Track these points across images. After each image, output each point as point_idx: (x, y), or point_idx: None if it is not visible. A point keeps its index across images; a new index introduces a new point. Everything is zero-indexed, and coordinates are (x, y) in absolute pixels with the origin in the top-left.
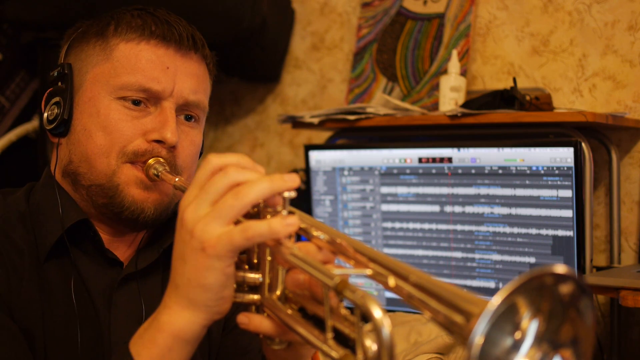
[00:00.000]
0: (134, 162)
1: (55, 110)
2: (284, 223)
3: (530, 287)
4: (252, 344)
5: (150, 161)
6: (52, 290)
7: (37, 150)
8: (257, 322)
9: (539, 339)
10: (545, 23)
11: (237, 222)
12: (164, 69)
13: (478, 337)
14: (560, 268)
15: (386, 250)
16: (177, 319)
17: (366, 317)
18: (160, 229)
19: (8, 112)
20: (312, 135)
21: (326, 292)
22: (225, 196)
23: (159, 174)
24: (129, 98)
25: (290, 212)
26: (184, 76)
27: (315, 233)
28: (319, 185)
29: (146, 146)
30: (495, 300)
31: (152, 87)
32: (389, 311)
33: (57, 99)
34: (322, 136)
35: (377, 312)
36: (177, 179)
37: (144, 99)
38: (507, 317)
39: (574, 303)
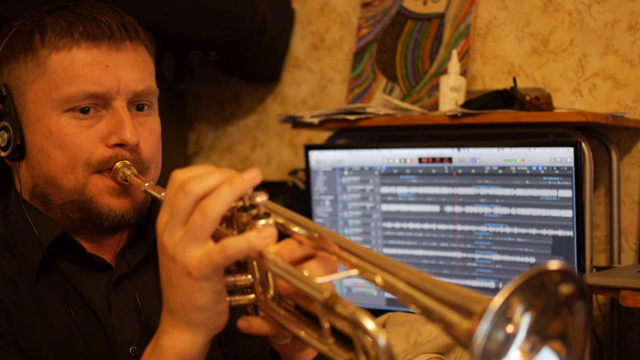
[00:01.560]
0: (100, 171)
1: (5, 135)
2: (261, 236)
3: (531, 285)
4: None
5: (117, 165)
6: (52, 311)
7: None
8: (257, 325)
9: (529, 332)
10: (545, 23)
11: (218, 238)
12: (104, 68)
13: (481, 338)
14: (555, 264)
15: (386, 251)
16: (179, 342)
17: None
18: (141, 224)
19: None
20: (312, 135)
21: (318, 306)
22: (192, 216)
23: (127, 178)
24: (76, 108)
25: (266, 214)
26: (125, 69)
27: (294, 228)
28: (319, 185)
29: (109, 152)
30: (497, 301)
31: (97, 91)
32: (389, 311)
33: (4, 123)
34: (322, 136)
35: (369, 325)
36: (146, 185)
37: (93, 105)
38: (502, 312)
39: (569, 303)
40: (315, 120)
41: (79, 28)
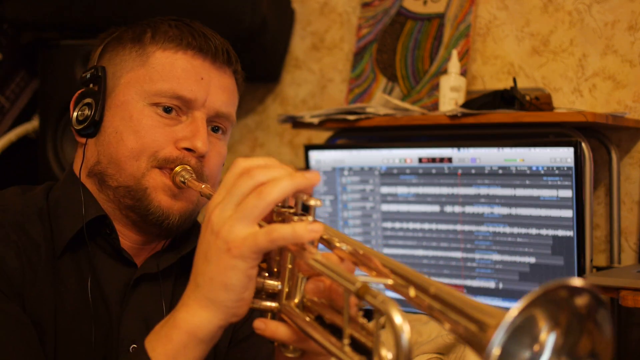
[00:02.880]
0: (162, 167)
1: (86, 111)
2: (308, 228)
3: (549, 299)
4: (260, 355)
5: (177, 169)
6: (66, 286)
7: (37, 150)
8: (273, 328)
9: (557, 353)
10: (545, 23)
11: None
12: (199, 79)
13: (495, 348)
14: (577, 281)
15: (386, 251)
16: (195, 317)
17: (384, 325)
18: (179, 237)
19: (8, 112)
20: (312, 135)
21: (347, 296)
22: (248, 197)
23: (186, 181)
24: (161, 105)
25: (315, 221)
26: (217, 88)
27: (337, 244)
28: (319, 185)
29: (177, 153)
30: (512, 313)
31: (185, 95)
32: None
33: (88, 100)
34: (322, 136)
35: (397, 318)
36: (203, 186)
37: (176, 107)
38: (525, 330)
39: (592, 315)
40: (315, 120)
41: (189, 38)
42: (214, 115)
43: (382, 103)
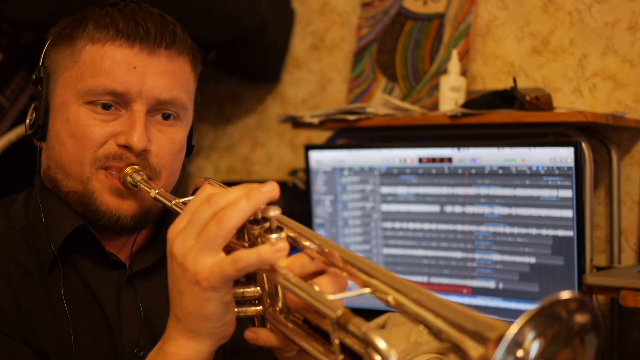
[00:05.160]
0: (107, 168)
1: (34, 115)
2: (273, 250)
3: (547, 314)
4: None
5: (127, 170)
6: (60, 302)
7: (37, 150)
8: (264, 337)
9: (537, 358)
10: (546, 23)
11: (229, 250)
12: (131, 69)
13: None
14: (573, 294)
15: (386, 251)
16: (184, 350)
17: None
18: (158, 225)
19: (8, 112)
20: (312, 135)
21: (330, 324)
22: (208, 225)
23: (137, 184)
24: (97, 102)
25: (278, 228)
26: (154, 75)
27: (305, 243)
28: (319, 185)
29: (115, 150)
30: (513, 330)
31: (117, 89)
32: (389, 311)
33: (36, 102)
34: (322, 136)
35: (381, 344)
36: (156, 192)
37: (114, 102)
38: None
39: (581, 334)
40: (315, 120)
41: (118, 25)
42: (155, 104)
43: (382, 103)
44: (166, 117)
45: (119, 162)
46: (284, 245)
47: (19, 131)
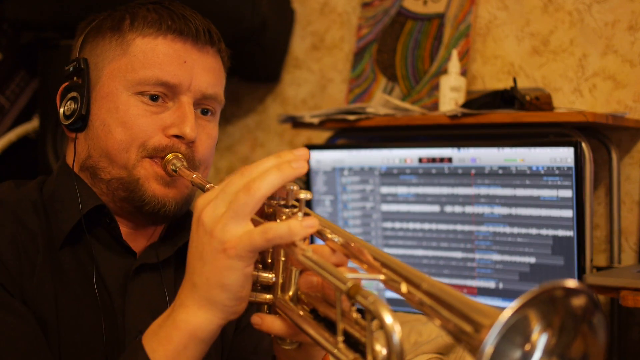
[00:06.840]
0: (153, 157)
1: (72, 106)
2: (303, 225)
3: (542, 300)
4: (262, 343)
5: (169, 156)
6: (66, 277)
7: (37, 150)
8: (269, 323)
9: (549, 353)
10: (546, 23)
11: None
12: (181, 63)
13: (488, 347)
14: (572, 282)
15: (386, 251)
16: (194, 318)
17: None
18: (174, 225)
19: (8, 112)
20: (312, 135)
21: (338, 295)
22: (238, 194)
23: (177, 169)
24: (146, 93)
25: (306, 214)
26: (201, 70)
27: (329, 235)
28: (319, 185)
29: (166, 142)
30: (506, 313)
31: (169, 81)
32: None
33: (73, 94)
34: (322, 136)
35: (388, 318)
36: (194, 176)
37: (162, 94)
38: (517, 329)
39: (587, 318)
40: (315, 120)
41: (168, 22)
42: (200, 98)
43: (382, 103)
44: (204, 112)
45: (166, 152)
46: (314, 222)
47: (19, 131)
